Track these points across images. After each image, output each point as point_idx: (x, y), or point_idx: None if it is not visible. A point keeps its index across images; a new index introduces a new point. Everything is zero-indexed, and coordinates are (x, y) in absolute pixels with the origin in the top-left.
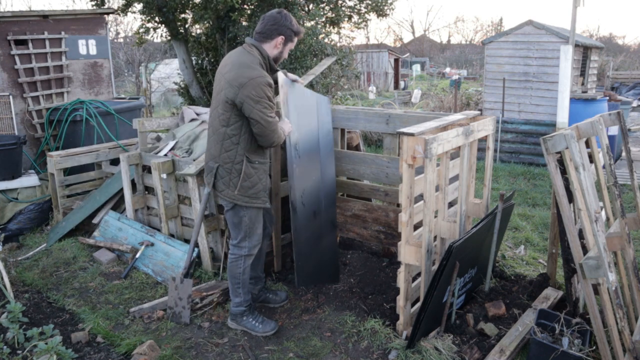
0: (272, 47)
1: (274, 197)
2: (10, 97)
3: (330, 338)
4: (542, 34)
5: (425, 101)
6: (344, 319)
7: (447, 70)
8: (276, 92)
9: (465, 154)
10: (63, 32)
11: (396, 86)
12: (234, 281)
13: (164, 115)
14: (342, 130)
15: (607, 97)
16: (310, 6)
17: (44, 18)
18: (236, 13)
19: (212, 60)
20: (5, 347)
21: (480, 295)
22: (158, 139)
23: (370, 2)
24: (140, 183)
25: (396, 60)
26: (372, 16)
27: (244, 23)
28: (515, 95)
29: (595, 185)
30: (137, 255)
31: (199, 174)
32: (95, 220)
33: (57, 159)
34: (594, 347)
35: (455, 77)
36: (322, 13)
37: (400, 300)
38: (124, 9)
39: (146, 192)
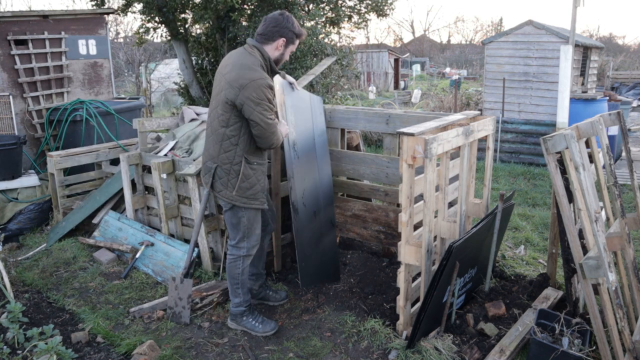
0: (273, 49)
1: (274, 197)
2: (10, 97)
3: (330, 338)
4: (542, 34)
5: (425, 101)
6: (344, 319)
7: (447, 70)
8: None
9: (465, 154)
10: (63, 32)
11: (396, 86)
12: (233, 281)
13: (164, 115)
14: (342, 130)
15: (607, 97)
16: (310, 6)
17: (44, 18)
18: (236, 13)
19: (212, 60)
20: (5, 347)
21: (480, 295)
22: (158, 139)
23: (370, 2)
24: (140, 183)
25: (396, 60)
26: (372, 16)
27: (244, 23)
28: (515, 95)
29: (595, 185)
30: (137, 255)
31: (199, 174)
32: (95, 220)
33: (57, 159)
34: (594, 347)
35: (455, 77)
36: (322, 13)
37: (400, 300)
38: (124, 9)
39: (146, 192)
